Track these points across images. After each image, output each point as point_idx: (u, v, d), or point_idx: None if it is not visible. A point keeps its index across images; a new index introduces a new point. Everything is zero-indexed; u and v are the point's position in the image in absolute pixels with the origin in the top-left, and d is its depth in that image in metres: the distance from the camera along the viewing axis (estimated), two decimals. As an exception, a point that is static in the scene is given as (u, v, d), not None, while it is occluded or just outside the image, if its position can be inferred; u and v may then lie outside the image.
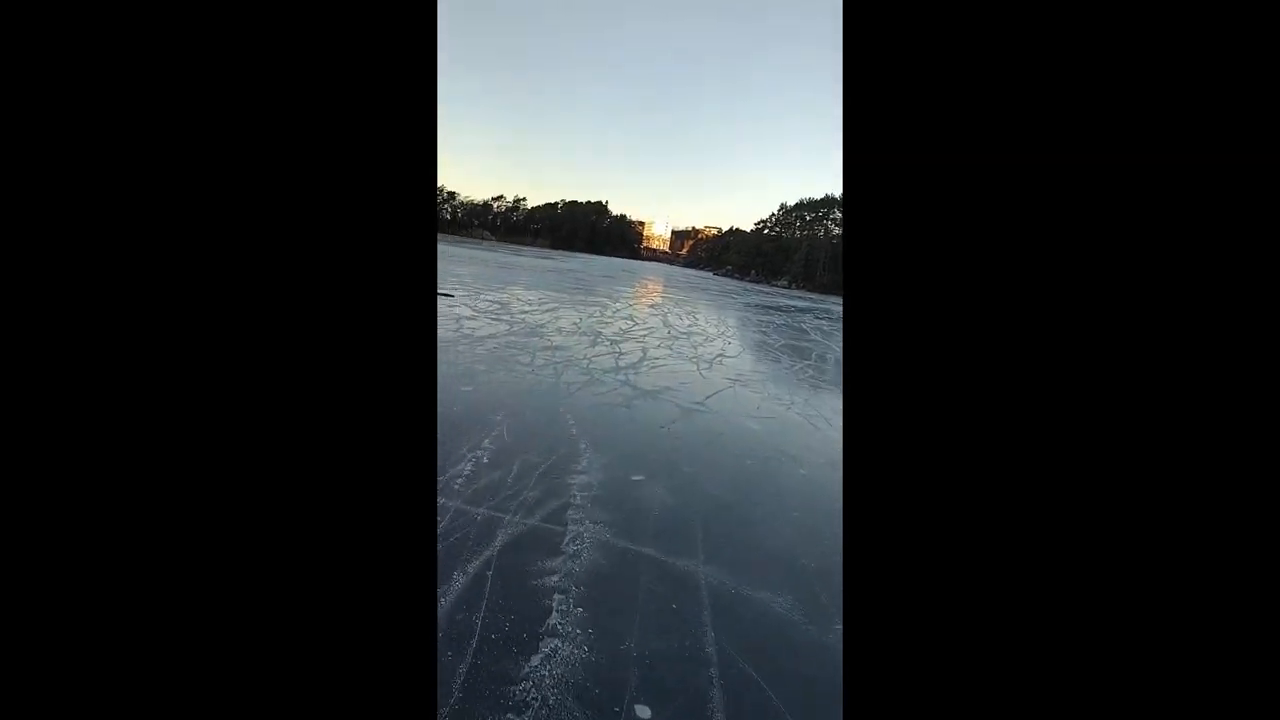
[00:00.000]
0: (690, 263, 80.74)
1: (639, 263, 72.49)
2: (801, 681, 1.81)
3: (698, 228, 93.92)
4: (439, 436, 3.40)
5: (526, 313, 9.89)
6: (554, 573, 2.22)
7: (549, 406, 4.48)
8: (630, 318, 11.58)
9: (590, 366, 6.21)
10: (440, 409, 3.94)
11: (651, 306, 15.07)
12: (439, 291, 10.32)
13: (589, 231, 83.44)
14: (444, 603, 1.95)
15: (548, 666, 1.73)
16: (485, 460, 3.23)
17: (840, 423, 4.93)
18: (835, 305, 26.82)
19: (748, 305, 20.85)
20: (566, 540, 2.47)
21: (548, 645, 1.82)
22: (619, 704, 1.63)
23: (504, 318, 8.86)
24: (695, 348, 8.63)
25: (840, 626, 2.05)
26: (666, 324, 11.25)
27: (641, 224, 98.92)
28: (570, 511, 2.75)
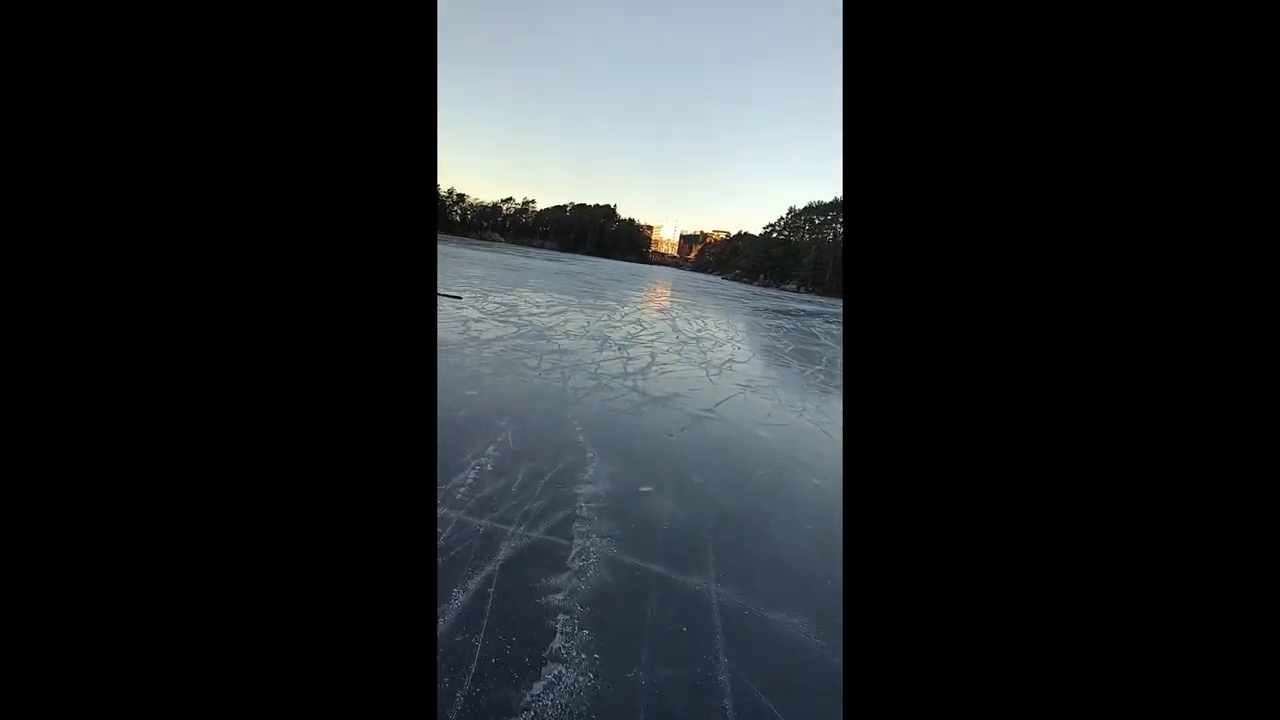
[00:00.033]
0: (699, 267, 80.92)
1: (647, 266, 72.62)
2: (820, 718, 1.68)
3: (706, 232, 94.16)
4: (442, 442, 3.31)
5: (534, 315, 9.80)
6: (558, 590, 2.11)
7: (555, 412, 4.38)
8: (639, 321, 11.46)
9: (598, 371, 6.10)
10: (445, 413, 3.86)
11: (660, 310, 14.93)
12: (446, 294, 10.29)
13: (597, 235, 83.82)
14: (443, 623, 1.84)
15: (550, 695, 1.62)
16: (489, 468, 3.13)
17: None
18: (845, 310, 26.49)
19: (757, 309, 20.69)
20: (572, 555, 2.37)
21: (551, 671, 1.71)
22: (626, 739, 1.52)
23: (511, 320, 8.78)
24: (704, 352, 8.49)
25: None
26: (675, 328, 11.11)
27: (650, 228, 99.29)
28: (576, 524, 2.64)
